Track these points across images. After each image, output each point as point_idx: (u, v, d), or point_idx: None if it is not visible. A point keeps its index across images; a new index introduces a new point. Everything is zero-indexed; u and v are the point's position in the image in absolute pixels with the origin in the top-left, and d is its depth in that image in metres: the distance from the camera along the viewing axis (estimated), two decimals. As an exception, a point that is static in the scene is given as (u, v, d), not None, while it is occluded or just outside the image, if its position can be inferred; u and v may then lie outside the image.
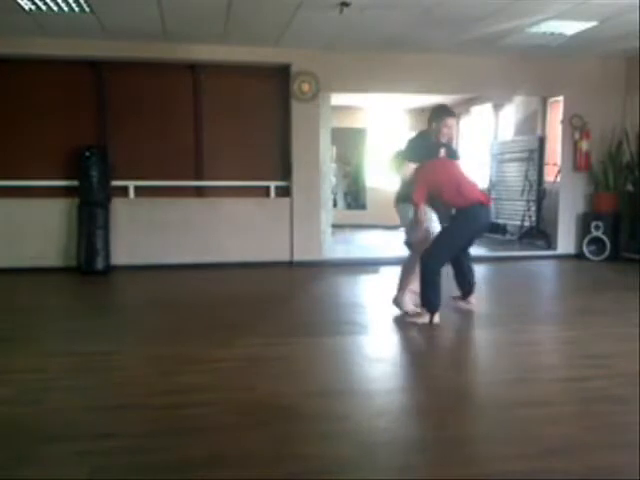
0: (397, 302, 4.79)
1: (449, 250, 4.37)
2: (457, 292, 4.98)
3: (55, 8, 5.58)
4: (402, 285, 4.68)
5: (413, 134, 4.91)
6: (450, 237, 4.36)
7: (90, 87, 7.18)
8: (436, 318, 4.43)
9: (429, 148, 4.49)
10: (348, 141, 12.60)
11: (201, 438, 2.55)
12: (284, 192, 7.62)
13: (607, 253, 7.77)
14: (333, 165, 11.06)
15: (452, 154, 4.70)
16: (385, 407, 2.96)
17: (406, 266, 4.81)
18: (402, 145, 4.84)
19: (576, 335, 4.30)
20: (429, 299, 4.37)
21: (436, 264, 4.27)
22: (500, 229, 10.07)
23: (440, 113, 4.45)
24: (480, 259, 8.18)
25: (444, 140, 4.50)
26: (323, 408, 2.92)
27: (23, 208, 7.03)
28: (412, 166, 4.41)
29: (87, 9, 5.62)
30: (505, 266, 7.71)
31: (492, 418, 2.83)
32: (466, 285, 4.89)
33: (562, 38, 6.67)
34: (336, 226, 8.46)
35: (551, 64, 7.73)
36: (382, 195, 12.88)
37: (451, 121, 4.44)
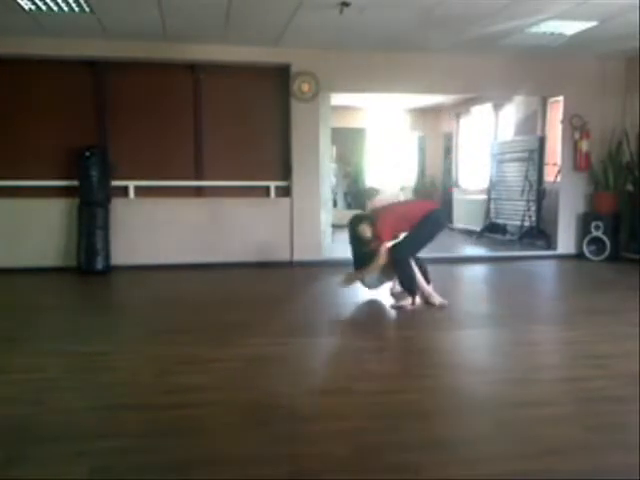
0: (393, 294, 5.47)
1: (416, 246, 5.17)
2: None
3: (55, 8, 5.58)
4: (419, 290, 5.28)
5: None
6: (418, 236, 5.14)
7: (90, 87, 7.18)
8: (417, 300, 5.12)
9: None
10: (348, 141, 12.61)
11: (201, 438, 2.55)
12: (284, 192, 7.63)
13: (607, 253, 7.77)
14: (333, 165, 11.06)
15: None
16: (385, 407, 2.96)
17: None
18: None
19: (576, 335, 4.30)
20: (409, 286, 5.11)
21: (406, 256, 5.10)
22: (500, 229, 10.07)
23: (373, 193, 5.79)
24: (480, 259, 8.21)
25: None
26: (323, 408, 2.92)
27: (23, 208, 7.04)
28: (367, 228, 5.18)
29: (87, 9, 5.62)
30: (505, 266, 7.71)
31: (492, 418, 2.83)
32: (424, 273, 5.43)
33: (562, 38, 6.67)
34: (336, 226, 8.46)
35: (551, 64, 7.73)
36: (382, 195, 12.91)
37: (377, 200, 5.69)
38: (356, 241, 5.33)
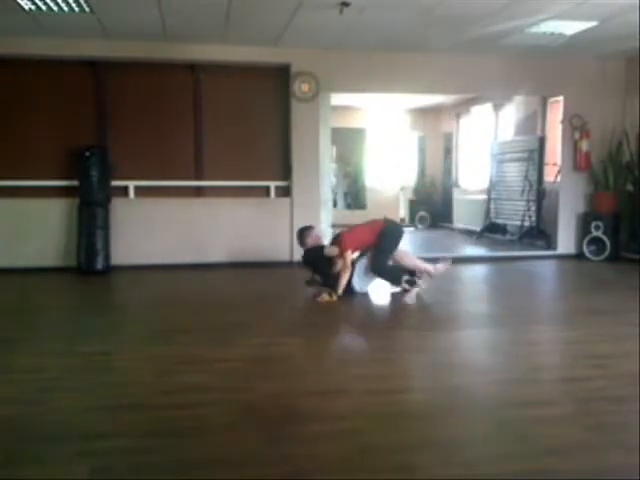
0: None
1: (388, 254, 5.51)
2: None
3: (55, 8, 5.58)
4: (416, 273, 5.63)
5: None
6: (385, 246, 5.50)
7: (90, 87, 7.19)
8: (421, 283, 5.46)
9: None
10: (348, 141, 12.61)
11: (201, 438, 2.55)
12: (284, 192, 7.63)
13: (607, 253, 7.76)
14: (333, 165, 11.06)
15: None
16: (385, 407, 2.96)
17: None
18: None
19: (576, 335, 4.30)
20: (400, 280, 5.44)
21: (381, 264, 5.48)
22: (500, 229, 10.08)
23: (306, 232, 5.75)
24: (480, 259, 8.21)
25: (320, 242, 5.81)
26: (323, 408, 2.92)
27: (23, 208, 7.04)
28: (332, 248, 5.59)
29: (87, 9, 5.62)
30: (505, 266, 7.71)
31: (492, 418, 2.83)
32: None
33: (562, 38, 6.67)
34: (336, 226, 8.46)
35: (551, 64, 7.74)
36: (382, 195, 12.91)
37: (314, 231, 5.79)
38: (320, 264, 5.61)
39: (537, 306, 5.51)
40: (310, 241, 5.71)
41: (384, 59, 7.40)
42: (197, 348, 3.91)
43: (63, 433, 2.63)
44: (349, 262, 5.41)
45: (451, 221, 12.11)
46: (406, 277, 5.46)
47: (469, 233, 10.79)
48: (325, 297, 5.33)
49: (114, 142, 7.20)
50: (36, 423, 2.72)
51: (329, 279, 5.54)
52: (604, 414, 2.84)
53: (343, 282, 5.37)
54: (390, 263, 5.52)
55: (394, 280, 5.50)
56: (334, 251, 5.49)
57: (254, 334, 4.24)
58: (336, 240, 5.60)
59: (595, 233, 7.85)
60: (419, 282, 5.44)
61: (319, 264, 5.64)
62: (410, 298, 5.28)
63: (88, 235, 6.89)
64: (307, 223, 7.46)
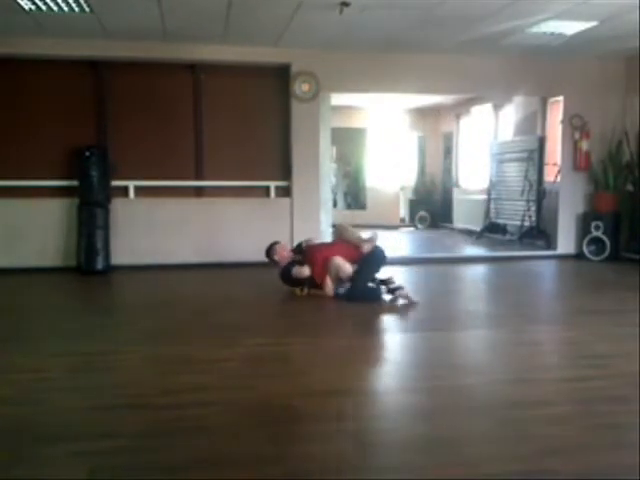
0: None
1: (370, 278, 5.44)
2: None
3: (55, 8, 5.58)
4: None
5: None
6: (369, 270, 5.43)
7: (90, 87, 7.19)
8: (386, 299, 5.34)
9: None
10: (348, 141, 12.62)
11: (201, 438, 2.55)
12: (284, 192, 7.63)
13: (607, 253, 7.76)
14: (333, 165, 11.07)
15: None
16: (385, 407, 2.96)
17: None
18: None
19: (576, 335, 4.30)
20: (379, 296, 5.33)
21: (363, 287, 5.38)
22: (500, 229, 10.08)
23: (271, 250, 5.77)
24: (480, 259, 8.21)
25: (287, 256, 5.76)
26: (323, 408, 2.92)
27: (23, 208, 7.04)
28: (301, 268, 5.52)
29: (87, 9, 5.62)
30: (505, 266, 7.71)
31: (492, 418, 2.82)
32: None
33: (562, 38, 6.67)
34: (336, 226, 8.46)
35: (551, 64, 7.74)
36: (382, 195, 12.92)
37: (278, 247, 5.80)
38: (297, 282, 5.55)
39: (537, 306, 5.51)
40: (279, 257, 5.71)
41: (384, 59, 7.40)
42: (197, 348, 3.90)
43: (63, 433, 2.62)
44: (330, 286, 5.43)
45: (451, 221, 12.11)
46: (386, 286, 5.39)
47: (469, 233, 10.80)
48: (296, 291, 5.51)
49: (114, 142, 7.19)
50: (36, 423, 2.72)
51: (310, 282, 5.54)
52: (604, 414, 2.83)
53: (328, 289, 5.45)
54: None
55: (374, 299, 5.34)
56: (305, 272, 5.44)
57: (254, 334, 4.24)
58: (308, 259, 5.50)
59: (595, 233, 7.85)
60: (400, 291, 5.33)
61: (296, 282, 5.60)
62: (403, 297, 5.23)
63: (88, 235, 6.89)
64: (307, 223, 7.58)
